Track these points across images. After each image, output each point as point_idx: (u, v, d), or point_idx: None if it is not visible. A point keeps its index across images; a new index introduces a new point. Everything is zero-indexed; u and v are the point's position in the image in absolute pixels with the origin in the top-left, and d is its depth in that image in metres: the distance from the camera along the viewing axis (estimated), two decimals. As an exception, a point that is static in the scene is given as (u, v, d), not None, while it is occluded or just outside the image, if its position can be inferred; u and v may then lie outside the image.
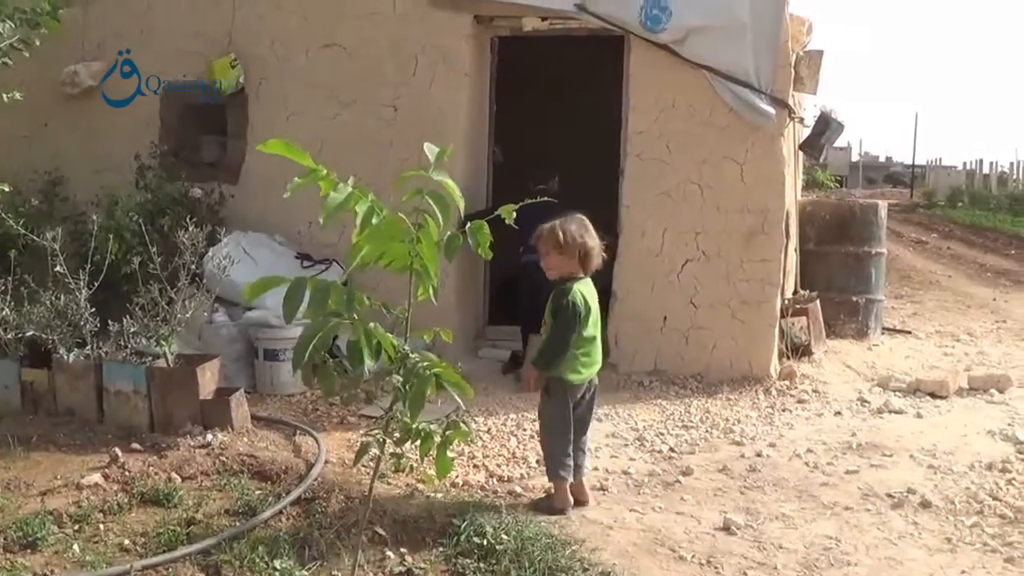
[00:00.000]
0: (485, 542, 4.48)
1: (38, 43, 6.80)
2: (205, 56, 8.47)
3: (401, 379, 3.16)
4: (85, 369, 5.99)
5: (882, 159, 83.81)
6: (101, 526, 4.59)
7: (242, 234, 7.92)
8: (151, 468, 5.21)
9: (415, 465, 3.66)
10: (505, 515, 4.75)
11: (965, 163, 55.93)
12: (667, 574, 4.46)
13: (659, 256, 7.84)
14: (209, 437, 5.65)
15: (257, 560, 4.23)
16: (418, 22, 8.15)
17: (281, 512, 4.75)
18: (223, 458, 5.39)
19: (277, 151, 3.04)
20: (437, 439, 3.28)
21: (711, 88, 7.68)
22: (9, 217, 6.73)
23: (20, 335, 6.09)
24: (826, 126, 8.55)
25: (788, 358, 8.09)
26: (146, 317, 6.01)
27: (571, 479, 5.13)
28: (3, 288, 6.15)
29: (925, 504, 5.27)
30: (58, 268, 6.01)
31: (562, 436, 5.13)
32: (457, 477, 5.46)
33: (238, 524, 4.60)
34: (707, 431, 6.59)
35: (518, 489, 5.37)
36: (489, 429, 6.44)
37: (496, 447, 6.08)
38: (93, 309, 6.09)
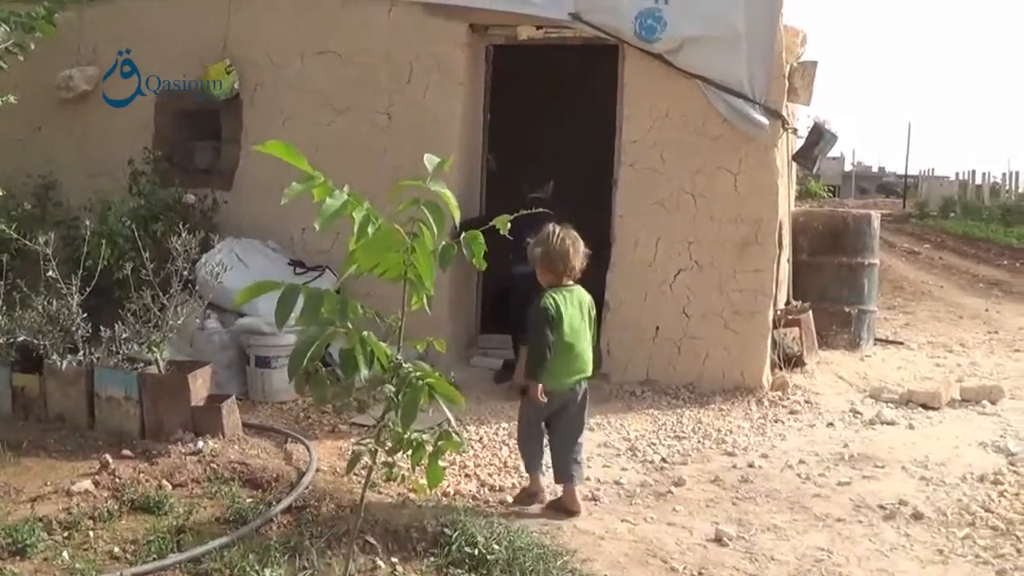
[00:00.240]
0: (476, 552, 4.46)
1: (33, 47, 6.80)
2: (200, 62, 8.46)
3: (394, 389, 3.15)
4: (76, 375, 5.97)
5: (875, 169, 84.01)
6: (91, 533, 4.56)
7: (235, 240, 7.91)
8: (142, 475, 5.19)
9: (407, 475, 3.64)
10: (496, 525, 4.74)
11: (958, 173, 56.09)
12: (658, 585, 4.46)
13: (652, 266, 7.84)
14: (200, 444, 5.63)
15: (248, 568, 4.20)
16: (413, 30, 8.15)
17: (272, 520, 4.74)
18: (214, 465, 5.37)
19: (276, 152, 3.03)
20: (429, 449, 3.27)
21: (705, 98, 7.69)
22: (1, 221, 6.71)
23: (11, 340, 6.08)
24: (819, 137, 8.55)
25: (780, 369, 8.10)
26: (138, 323, 6.00)
27: (543, 473, 5.31)
28: (-5, 293, 6.13)
29: (917, 516, 5.27)
30: (50, 273, 5.99)
31: (532, 438, 5.32)
32: (449, 486, 5.45)
33: (229, 532, 4.58)
34: (699, 441, 6.59)
35: (509, 499, 5.37)
36: (481, 438, 6.43)
37: (488, 456, 6.07)
38: (85, 314, 6.07)
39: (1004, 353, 10.09)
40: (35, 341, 6.03)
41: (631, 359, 7.87)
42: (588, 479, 5.68)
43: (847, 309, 9.69)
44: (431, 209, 3.09)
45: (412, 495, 5.16)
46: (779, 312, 8.33)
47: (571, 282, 5.28)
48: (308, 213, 3.12)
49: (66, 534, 4.54)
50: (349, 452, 5.13)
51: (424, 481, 3.43)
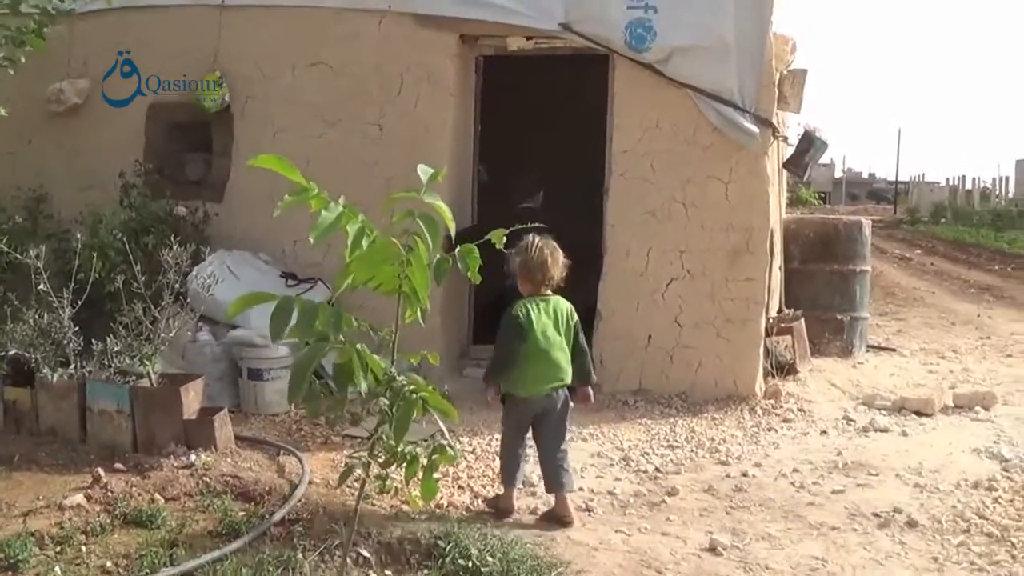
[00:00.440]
0: (470, 564, 4.46)
1: (24, 61, 6.80)
2: (191, 74, 8.45)
3: (388, 402, 3.15)
4: (68, 388, 5.95)
5: (865, 175, 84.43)
6: (83, 548, 4.55)
7: (226, 253, 7.89)
8: (134, 489, 5.18)
9: (400, 487, 3.64)
10: (490, 537, 4.73)
11: (948, 179, 56.33)
12: (654, 595, 4.45)
13: (644, 275, 7.84)
14: (192, 457, 5.62)
15: (241, 582, 4.20)
16: (403, 41, 8.16)
17: (265, 533, 4.73)
18: (206, 479, 5.36)
19: (269, 166, 3.03)
20: (423, 462, 3.27)
21: (695, 107, 7.70)
22: (-8, 234, 6.69)
23: (3, 354, 6.06)
24: (810, 144, 8.57)
25: (773, 377, 8.11)
26: (130, 336, 5.98)
27: (518, 486, 5.40)
28: (-14, 306, 6.12)
29: (911, 523, 5.27)
30: (42, 286, 5.97)
31: (511, 448, 5.38)
32: (442, 498, 5.44)
33: (221, 546, 4.57)
34: (692, 451, 6.58)
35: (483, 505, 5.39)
36: (474, 449, 6.42)
37: (481, 468, 6.06)
38: (76, 328, 6.06)
39: (997, 359, 10.12)
40: (27, 354, 6.01)
41: (623, 369, 7.87)
42: (581, 489, 5.68)
43: (839, 316, 9.71)
44: (426, 221, 3.09)
45: (405, 507, 5.15)
46: (771, 320, 8.34)
47: (549, 291, 5.35)
48: (300, 225, 3.13)
49: (58, 549, 4.52)
50: (342, 464, 5.13)
51: (418, 493, 3.42)
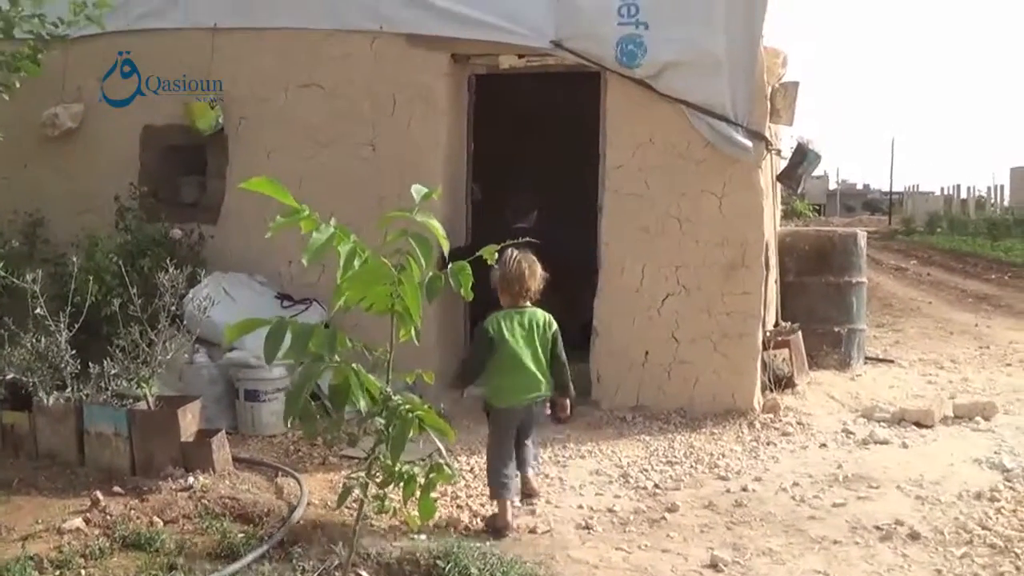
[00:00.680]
0: (470, 583, 4.44)
1: (18, 86, 6.81)
2: (184, 98, 8.46)
3: (384, 422, 3.15)
4: (66, 412, 5.96)
5: (859, 187, 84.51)
6: (83, 571, 4.54)
7: (222, 274, 7.89)
8: (133, 512, 5.17)
9: (398, 507, 3.63)
10: (490, 556, 4.71)
11: (943, 188, 56.51)
12: (655, 612, 4.43)
13: (639, 291, 7.83)
14: (191, 480, 5.62)
15: (240, 605, 4.19)
16: (395, 61, 8.18)
17: (264, 555, 4.71)
18: (205, 501, 5.35)
19: (260, 189, 3.04)
20: (420, 481, 3.26)
21: (688, 122, 7.70)
22: (-11, 259, 6.69)
23: (1, 378, 6.06)
24: (803, 157, 8.57)
25: (771, 391, 8.09)
26: (127, 359, 5.98)
27: (511, 497, 5.42)
28: (-17, 331, 6.11)
29: (914, 536, 5.25)
30: (38, 310, 5.98)
31: (497, 457, 5.50)
32: (441, 518, 5.42)
33: (220, 568, 4.56)
34: (692, 466, 6.56)
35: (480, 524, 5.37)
36: (472, 468, 6.39)
37: (479, 486, 6.03)
38: (74, 351, 6.06)
39: (996, 368, 10.11)
40: (24, 378, 6.01)
41: (621, 385, 7.86)
42: (581, 507, 5.69)
43: (836, 328, 9.69)
44: (418, 241, 3.10)
45: (404, 527, 5.13)
46: (768, 334, 8.33)
47: (528, 304, 5.53)
48: (295, 247, 3.13)
49: (58, 572, 4.51)
50: (340, 485, 5.11)
51: (416, 513, 3.42)
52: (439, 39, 8.13)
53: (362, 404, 3.14)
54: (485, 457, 5.85)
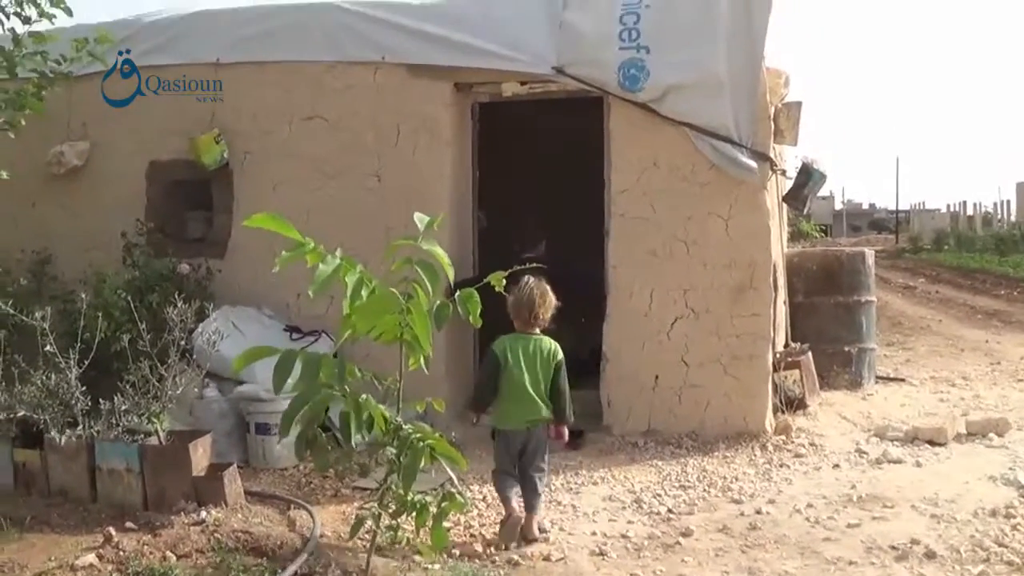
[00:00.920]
0: (485, 612, 4.42)
1: (23, 124, 6.84)
2: (189, 133, 8.50)
3: (395, 451, 3.14)
4: (77, 449, 5.95)
5: (865, 206, 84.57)
6: (96, 610, 4.53)
7: (230, 308, 7.91)
8: (145, 547, 5.15)
9: (411, 537, 3.61)
10: (505, 584, 4.70)
11: (949, 205, 56.39)
12: (671, 638, 4.40)
13: (648, 315, 7.82)
14: (203, 514, 5.59)
15: (254, 640, 4.16)
16: (398, 92, 8.22)
17: (278, 589, 4.70)
18: (218, 535, 5.32)
19: (264, 225, 3.05)
20: (433, 510, 3.25)
21: (692, 145, 7.71)
22: (-2, 297, 6.71)
23: (11, 415, 6.07)
24: (808, 177, 8.55)
25: (783, 412, 8.05)
26: (137, 394, 5.98)
27: (514, 499, 5.61)
28: (-7, 368, 6.12)
29: (930, 555, 5.21)
30: (48, 347, 5.98)
31: (501, 477, 5.71)
32: (454, 547, 5.39)
33: (234, 603, 4.54)
34: (705, 490, 6.53)
35: (515, 557, 5.29)
36: (485, 497, 6.36)
37: (492, 515, 5.99)
38: (84, 388, 6.05)
39: (1008, 384, 10.06)
40: (35, 416, 6.01)
41: (632, 410, 7.83)
42: (595, 533, 5.67)
43: (847, 348, 9.68)
44: (424, 269, 3.10)
45: (418, 557, 5.09)
46: (778, 355, 8.30)
47: (537, 330, 5.65)
48: (302, 279, 3.13)
49: (71, 611, 4.50)
50: (353, 517, 5.09)
51: (429, 542, 3.40)
52: (441, 68, 8.18)
53: (357, 436, 3.14)
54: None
